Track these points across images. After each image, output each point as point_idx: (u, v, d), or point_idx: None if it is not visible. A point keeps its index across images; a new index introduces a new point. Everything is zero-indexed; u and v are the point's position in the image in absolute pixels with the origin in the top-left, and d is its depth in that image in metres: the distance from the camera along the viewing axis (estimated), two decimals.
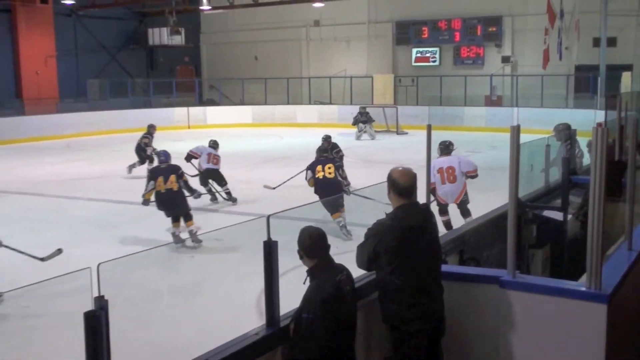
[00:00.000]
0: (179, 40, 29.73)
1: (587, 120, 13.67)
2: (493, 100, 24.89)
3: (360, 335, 3.69)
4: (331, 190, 9.03)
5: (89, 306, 2.58)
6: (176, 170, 8.96)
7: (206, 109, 27.99)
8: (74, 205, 11.78)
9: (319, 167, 9.26)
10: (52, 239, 7.79)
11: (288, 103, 27.70)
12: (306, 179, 9.35)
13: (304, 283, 3.43)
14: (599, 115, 15.97)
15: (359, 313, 3.57)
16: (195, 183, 10.46)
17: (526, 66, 25.28)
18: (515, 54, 26.02)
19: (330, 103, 27.39)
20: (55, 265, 6.49)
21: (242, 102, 28.74)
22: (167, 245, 8.19)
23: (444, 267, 3.87)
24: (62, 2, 24.88)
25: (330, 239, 3.54)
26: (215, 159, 11.62)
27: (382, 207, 3.79)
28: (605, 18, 20.32)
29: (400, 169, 3.65)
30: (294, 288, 3.50)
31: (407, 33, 27.72)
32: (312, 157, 9.87)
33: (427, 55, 27.61)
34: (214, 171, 11.49)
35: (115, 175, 14.59)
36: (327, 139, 11.68)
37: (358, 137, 21.41)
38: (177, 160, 9.71)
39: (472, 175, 8.58)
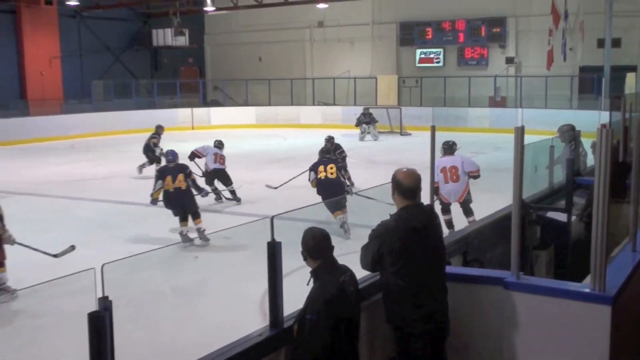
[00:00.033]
0: (183, 41, 29.75)
1: (591, 121, 13.62)
2: (497, 101, 24.85)
3: (364, 336, 3.69)
4: (333, 190, 9.04)
5: (93, 307, 2.58)
6: (184, 169, 9.07)
7: (210, 109, 28.05)
8: (79, 205, 11.80)
9: (321, 168, 9.28)
10: (57, 240, 7.78)
11: (292, 104, 27.68)
12: (309, 180, 9.38)
13: (308, 284, 3.42)
14: (604, 116, 15.89)
15: (362, 314, 3.56)
16: (201, 182, 10.49)
17: (530, 67, 25.23)
18: (520, 55, 25.96)
19: (334, 104, 27.35)
20: (60, 266, 6.51)
21: (245, 103, 28.76)
22: (171, 246, 8.19)
23: (448, 269, 3.86)
24: (67, 3, 24.90)
25: (334, 240, 3.53)
26: (222, 158, 11.67)
27: (385, 208, 3.79)
28: (609, 19, 20.28)
29: (405, 170, 3.64)
30: (298, 289, 3.49)
31: (411, 34, 27.70)
32: (315, 158, 9.88)
33: (431, 56, 27.57)
34: (220, 171, 11.54)
35: (119, 176, 14.63)
36: (330, 140, 11.68)
37: (361, 138, 21.40)
38: (181, 159, 9.74)
39: (475, 175, 8.59)
